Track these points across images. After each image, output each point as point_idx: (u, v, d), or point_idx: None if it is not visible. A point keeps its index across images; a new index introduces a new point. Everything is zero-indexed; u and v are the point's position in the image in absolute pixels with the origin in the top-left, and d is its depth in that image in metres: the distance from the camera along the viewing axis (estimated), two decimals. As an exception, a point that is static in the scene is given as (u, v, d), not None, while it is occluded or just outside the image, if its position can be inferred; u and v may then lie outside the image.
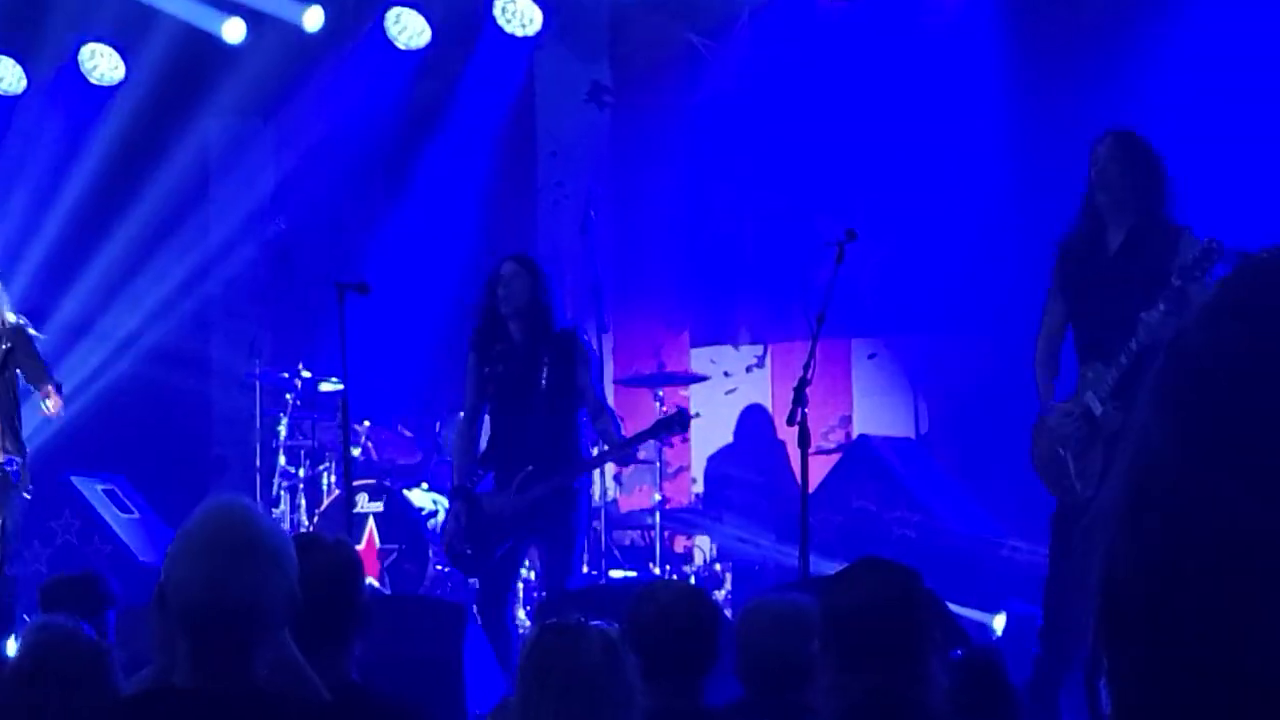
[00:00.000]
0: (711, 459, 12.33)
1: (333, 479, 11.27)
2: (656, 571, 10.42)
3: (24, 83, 12.98)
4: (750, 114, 12.49)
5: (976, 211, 11.26)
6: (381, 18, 12.68)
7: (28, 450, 9.38)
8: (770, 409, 12.20)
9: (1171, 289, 7.26)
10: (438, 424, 11.75)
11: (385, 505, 10.97)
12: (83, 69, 12.91)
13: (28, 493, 9.30)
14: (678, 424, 9.14)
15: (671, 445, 11.04)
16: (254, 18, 12.71)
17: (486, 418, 9.18)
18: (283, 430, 11.51)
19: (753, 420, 12.23)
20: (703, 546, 11.42)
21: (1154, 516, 1.34)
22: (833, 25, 11.99)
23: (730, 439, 12.26)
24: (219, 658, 3.30)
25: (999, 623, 9.70)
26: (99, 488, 11.85)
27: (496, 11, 12.51)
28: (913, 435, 11.74)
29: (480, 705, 7.21)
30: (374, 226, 13.16)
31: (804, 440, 7.86)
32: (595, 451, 9.31)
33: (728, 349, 12.70)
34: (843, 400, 12.14)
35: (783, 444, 11.70)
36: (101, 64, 12.92)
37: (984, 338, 10.92)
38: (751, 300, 12.66)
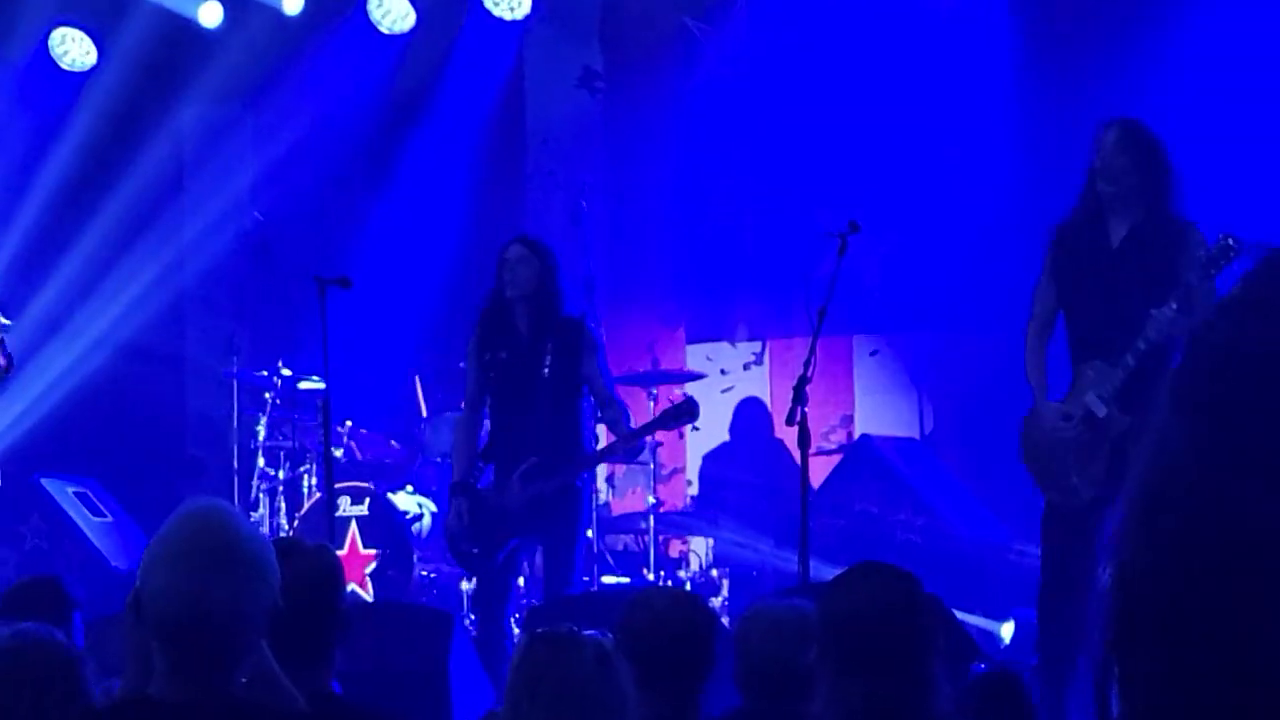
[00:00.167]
0: (707, 458, 12.32)
1: (314, 481, 11.26)
2: (650, 577, 10.42)
3: (-10, 69, 12.97)
4: (748, 100, 12.49)
5: (984, 202, 11.26)
6: (364, 1, 12.67)
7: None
8: (769, 407, 12.20)
9: (1184, 287, 7.27)
10: (422, 424, 11.75)
11: (369, 509, 10.97)
12: (53, 54, 12.89)
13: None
14: (687, 413, 9.10)
15: (681, 435, 11.04)
16: (231, 1, 12.70)
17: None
18: (261, 431, 11.50)
19: (749, 416, 12.22)
20: (698, 551, 11.42)
21: (1171, 519, 1.34)
22: (834, 7, 11.99)
23: (724, 439, 12.25)
24: (196, 668, 3.29)
25: (1007, 631, 9.71)
26: (70, 490, 11.84)
27: (484, -7, 12.52)
28: (917, 435, 11.74)
29: (467, 717, 7.20)
30: (356, 218, 13.15)
31: (804, 440, 7.86)
32: (600, 445, 9.29)
33: (725, 346, 12.70)
34: (844, 399, 12.14)
35: (781, 443, 11.70)
36: (73, 49, 12.91)
37: (991, 334, 10.92)
38: (750, 295, 12.66)
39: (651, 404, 10.80)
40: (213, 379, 12.47)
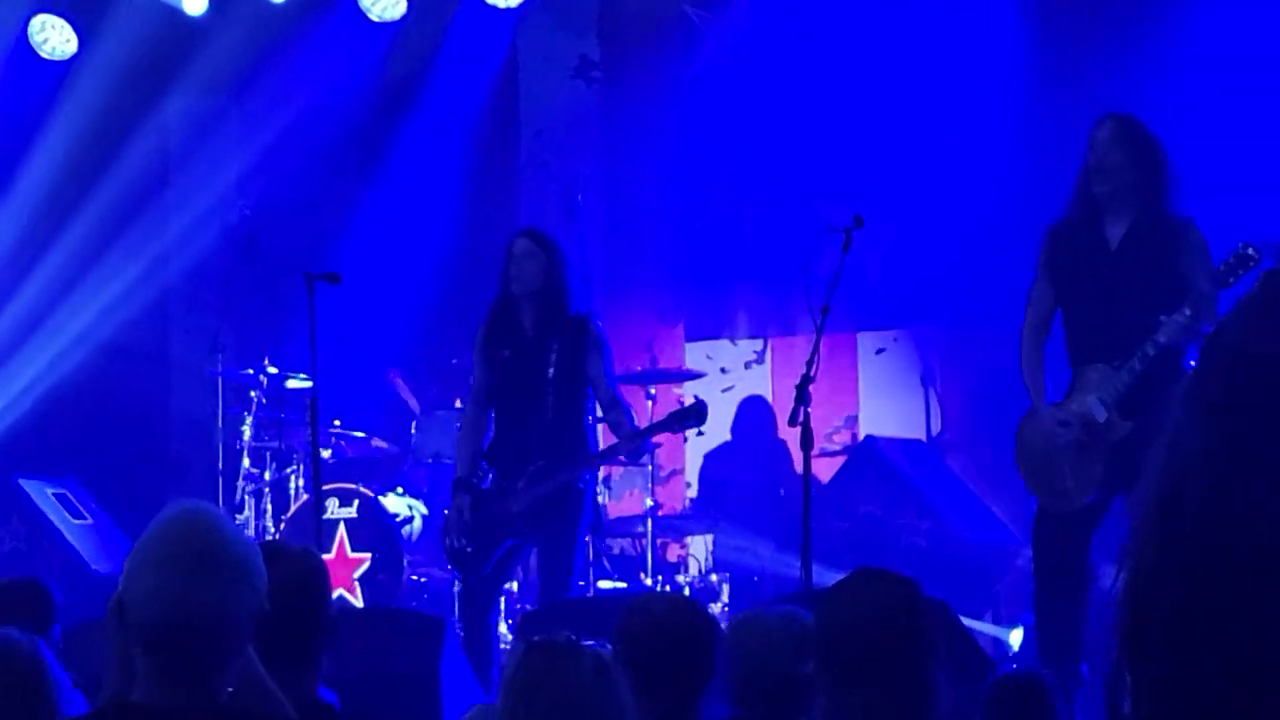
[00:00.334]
0: (708, 458, 12.32)
1: (301, 483, 11.27)
2: (648, 582, 10.42)
3: (-33, 57, 12.97)
4: (749, 90, 12.48)
5: (992, 194, 11.26)
6: (354, -12, 12.68)
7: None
8: (772, 407, 12.19)
9: (1197, 293, 7.29)
10: (413, 425, 11.75)
11: (358, 511, 10.98)
12: (32, 42, 12.88)
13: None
14: (695, 416, 9.10)
15: (685, 438, 11.02)
16: (217, -12, 12.70)
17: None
18: (247, 430, 11.50)
19: (753, 416, 12.21)
20: (697, 555, 11.42)
21: (1187, 523, 1.35)
22: (838, -5, 12.00)
23: (726, 439, 12.25)
24: (181, 676, 3.30)
25: (1015, 638, 9.72)
26: (49, 491, 11.84)
27: (477, -20, 12.52)
28: (924, 437, 11.74)
29: (459, 725, 7.21)
30: (345, 211, 13.14)
31: (806, 442, 7.86)
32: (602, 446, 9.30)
33: (725, 343, 12.70)
34: (848, 399, 12.14)
35: (785, 444, 11.71)
36: (53, 37, 12.90)
37: (1000, 332, 10.90)
38: (751, 291, 12.66)
39: (650, 404, 10.79)
40: (197, 377, 12.47)
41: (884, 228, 10.79)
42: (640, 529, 10.77)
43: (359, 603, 10.62)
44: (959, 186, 11.53)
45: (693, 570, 11.21)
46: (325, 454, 10.90)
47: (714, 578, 11.04)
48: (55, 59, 12.92)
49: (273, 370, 11.44)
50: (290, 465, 11.46)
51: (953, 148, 11.57)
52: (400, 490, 11.37)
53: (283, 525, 11.05)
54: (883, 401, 12.07)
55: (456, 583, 10.08)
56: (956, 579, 9.62)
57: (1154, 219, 7.60)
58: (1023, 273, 8.20)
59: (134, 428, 13.15)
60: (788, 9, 12.23)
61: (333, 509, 10.85)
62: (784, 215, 12.19)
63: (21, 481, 11.78)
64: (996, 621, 10.11)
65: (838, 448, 11.59)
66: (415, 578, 11.05)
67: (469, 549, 8.94)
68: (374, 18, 12.75)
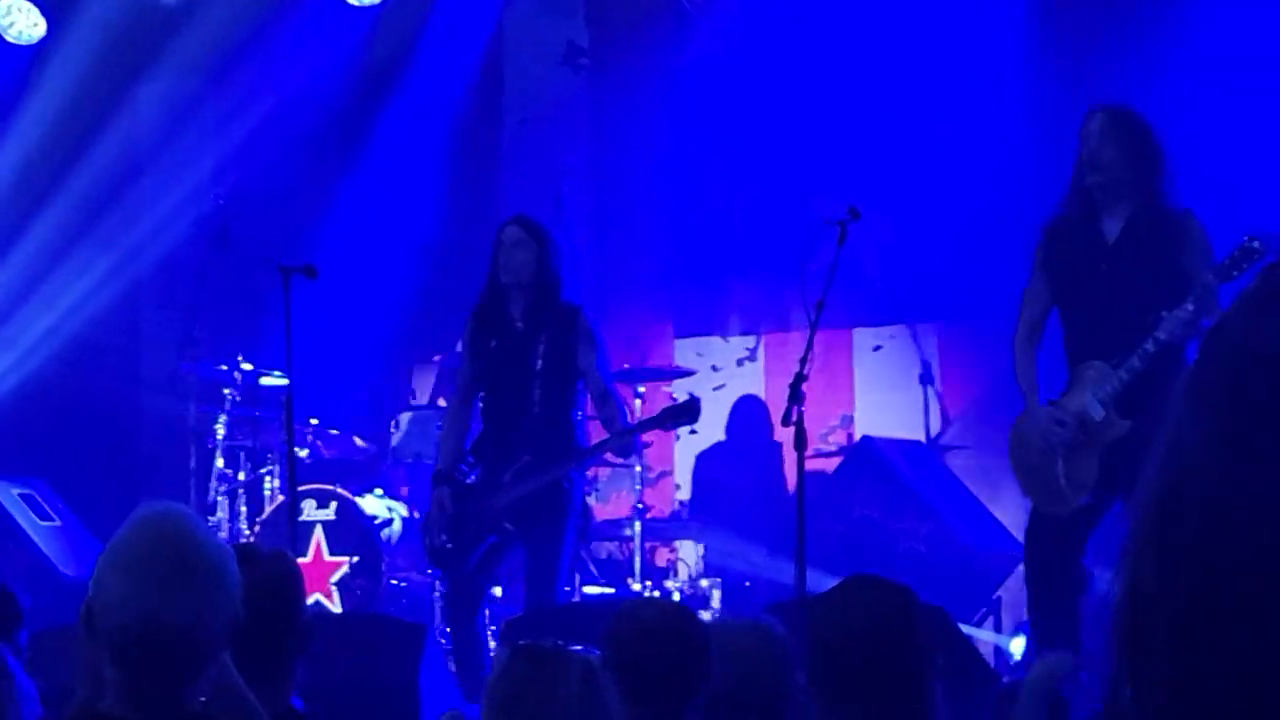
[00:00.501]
0: (700, 459, 12.32)
1: (276, 483, 11.26)
2: (636, 588, 10.42)
3: (-70, 41, 12.94)
4: (742, 80, 12.48)
5: (992, 186, 11.27)
6: (333, -30, 12.68)
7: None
8: (767, 406, 12.19)
9: (1201, 287, 7.30)
10: (392, 423, 11.74)
11: (335, 513, 10.97)
12: (-2, 26, 12.86)
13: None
14: (688, 413, 9.10)
15: (677, 437, 11.02)
16: (192, -30, 12.70)
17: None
18: (220, 429, 11.48)
19: (747, 415, 12.21)
20: (687, 560, 11.43)
21: (1188, 521, 1.36)
22: (835, -18, 12.00)
23: (719, 438, 12.24)
24: (152, 684, 3.29)
25: (1017, 646, 9.72)
26: (15, 492, 11.82)
27: (461, -37, 12.52)
28: (922, 437, 11.75)
29: (439, 734, 7.21)
30: (323, 202, 13.14)
31: (800, 442, 7.86)
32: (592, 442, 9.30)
33: (716, 340, 12.70)
34: (844, 398, 12.15)
35: (780, 445, 11.71)
36: (19, 20, 12.87)
37: (1002, 328, 10.90)
38: (743, 287, 12.66)
39: (639, 403, 10.79)
40: (168, 374, 12.45)
41: (881, 221, 10.80)
42: (628, 533, 10.77)
43: (337, 608, 10.61)
44: (958, 178, 11.54)
45: (682, 575, 11.22)
46: (301, 454, 10.89)
47: (704, 583, 11.04)
48: (22, 43, 12.89)
49: (247, 367, 11.43)
50: (265, 465, 11.45)
51: (952, 138, 11.58)
52: (379, 492, 11.37)
53: (257, 528, 11.04)
54: (879, 400, 12.08)
55: (438, 586, 10.08)
56: (957, 585, 9.64)
57: (1151, 213, 7.62)
58: (1026, 267, 8.22)
59: (103, 426, 13.13)
60: (782, -6, 12.24)
61: (309, 511, 10.83)
62: (778, 208, 12.19)
63: (-14, 482, 11.77)
64: (998, 629, 10.11)
65: (833, 448, 11.60)
66: (395, 582, 11.04)
67: (449, 545, 8.93)
68: (354, 1, 12.74)
